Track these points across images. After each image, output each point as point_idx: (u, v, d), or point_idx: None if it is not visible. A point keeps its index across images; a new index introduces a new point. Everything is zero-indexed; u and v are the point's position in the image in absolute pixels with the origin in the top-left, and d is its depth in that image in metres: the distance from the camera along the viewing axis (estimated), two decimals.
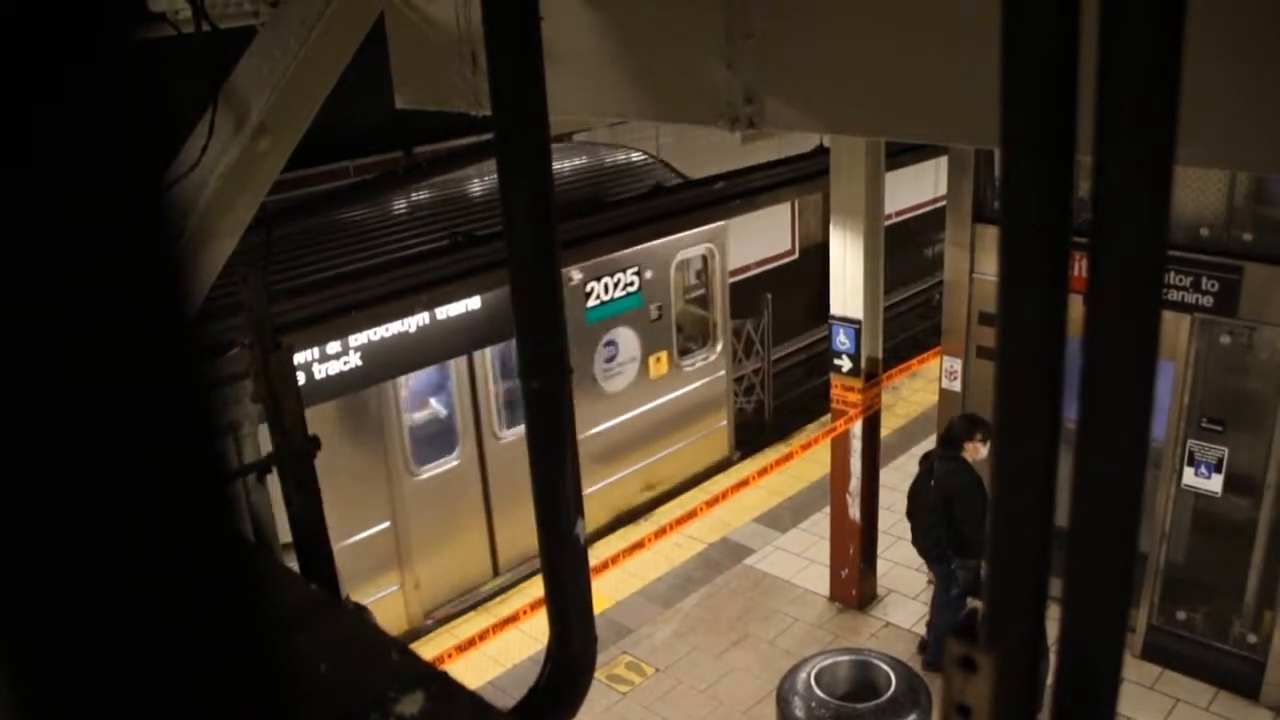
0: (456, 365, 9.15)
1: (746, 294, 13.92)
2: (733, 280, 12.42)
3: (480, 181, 10.76)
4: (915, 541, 7.67)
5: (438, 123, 10.52)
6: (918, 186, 19.48)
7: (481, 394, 9.35)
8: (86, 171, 0.41)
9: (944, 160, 9.18)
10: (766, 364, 14.15)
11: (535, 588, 7.77)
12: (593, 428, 10.01)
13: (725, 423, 11.94)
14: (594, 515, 9.81)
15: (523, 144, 2.42)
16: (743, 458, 11.88)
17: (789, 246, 16.66)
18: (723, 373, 11.81)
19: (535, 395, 2.60)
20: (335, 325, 8.23)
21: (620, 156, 12.35)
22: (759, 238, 15.68)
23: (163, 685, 0.46)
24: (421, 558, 8.87)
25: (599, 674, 6.10)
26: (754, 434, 12.91)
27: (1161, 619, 7.68)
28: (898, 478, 8.50)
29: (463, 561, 9.26)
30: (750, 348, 14.03)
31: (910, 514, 7.70)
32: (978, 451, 7.12)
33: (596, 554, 8.02)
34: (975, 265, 8.09)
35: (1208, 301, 6.89)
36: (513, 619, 6.89)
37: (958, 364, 8.39)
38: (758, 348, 14.07)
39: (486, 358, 9.35)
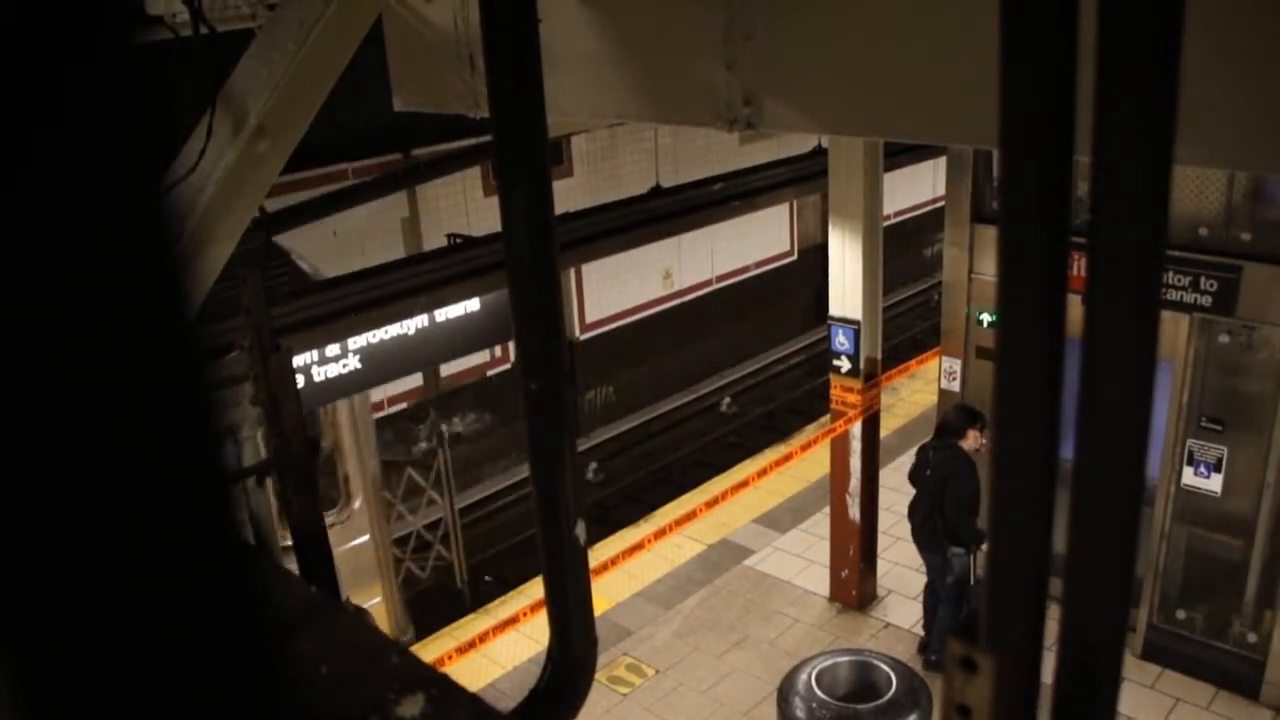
0: None
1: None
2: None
3: None
4: (914, 533, 7.74)
5: (436, 125, 10.53)
6: (916, 187, 19.52)
7: None
8: (85, 174, 0.41)
9: (942, 161, 9.19)
10: (450, 513, 11.17)
11: (535, 589, 7.77)
12: None
13: (379, 599, 9.18)
14: None
15: (521, 146, 2.42)
16: (420, 636, 9.23)
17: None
18: (365, 537, 9.05)
19: (535, 396, 2.60)
20: (333, 328, 8.20)
21: None
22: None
23: (163, 688, 0.46)
24: None
25: (599, 676, 6.09)
26: (444, 603, 10.58)
27: (1161, 619, 7.69)
28: (897, 478, 8.51)
29: None
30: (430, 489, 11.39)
31: (912, 508, 7.75)
32: (979, 441, 7.18)
33: (596, 556, 8.02)
34: (974, 265, 8.09)
35: (1206, 301, 6.90)
36: (513, 621, 6.90)
37: (957, 364, 8.40)
38: (432, 494, 11.43)
39: None
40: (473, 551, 12.39)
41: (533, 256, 2.50)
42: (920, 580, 8.22)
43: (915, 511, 7.67)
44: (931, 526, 7.43)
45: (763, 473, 8.77)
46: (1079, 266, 0.95)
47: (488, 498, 13.48)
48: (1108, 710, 1.10)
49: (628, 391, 15.94)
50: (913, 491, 7.76)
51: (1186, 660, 7.58)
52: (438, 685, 1.63)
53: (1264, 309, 6.74)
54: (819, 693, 6.20)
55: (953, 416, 7.50)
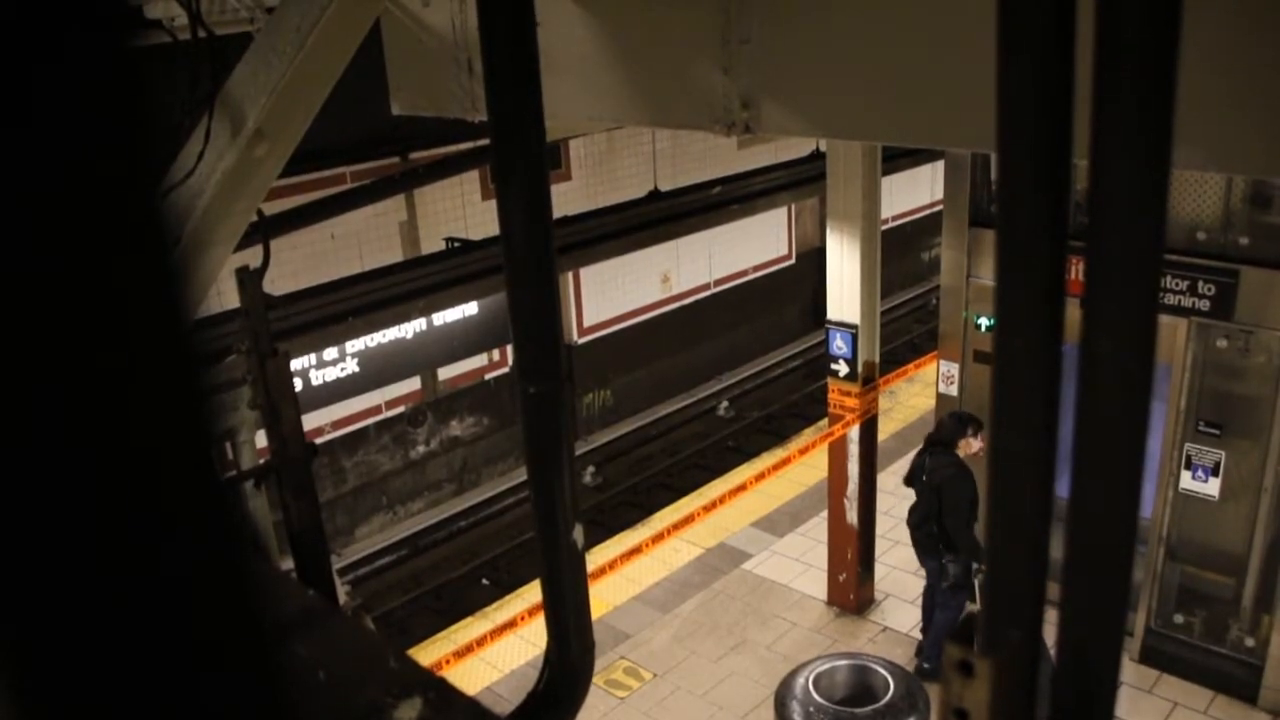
0: None
1: None
2: None
3: None
4: (911, 535, 7.75)
5: (434, 129, 10.53)
6: (914, 191, 19.54)
7: None
8: (83, 178, 0.41)
9: (940, 164, 9.19)
10: None
11: (533, 593, 7.76)
12: None
13: None
14: None
15: (519, 150, 2.42)
16: None
17: None
18: None
19: (533, 400, 2.60)
20: (331, 331, 8.19)
21: None
22: None
23: (160, 693, 0.46)
24: None
25: (597, 679, 6.07)
26: None
27: (1159, 623, 7.68)
28: (895, 482, 8.51)
29: None
30: None
31: (911, 511, 7.74)
32: (970, 447, 7.18)
33: (594, 559, 8.02)
34: (972, 269, 8.09)
35: (1204, 305, 6.90)
36: (511, 625, 6.88)
37: (954, 368, 8.39)
38: None
39: None
40: (472, 555, 12.41)
41: (531, 260, 2.51)
42: (918, 584, 8.22)
43: (913, 514, 7.69)
44: (927, 530, 7.43)
45: (760, 476, 8.76)
46: (1077, 270, 0.95)
47: (485, 501, 13.48)
48: (1105, 713, 1.10)
49: (625, 395, 15.93)
50: (911, 495, 7.77)
51: (1184, 664, 7.58)
52: (436, 689, 1.63)
53: (1261, 313, 6.74)
54: (816, 697, 6.19)
55: (946, 423, 7.51)
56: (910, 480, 7.74)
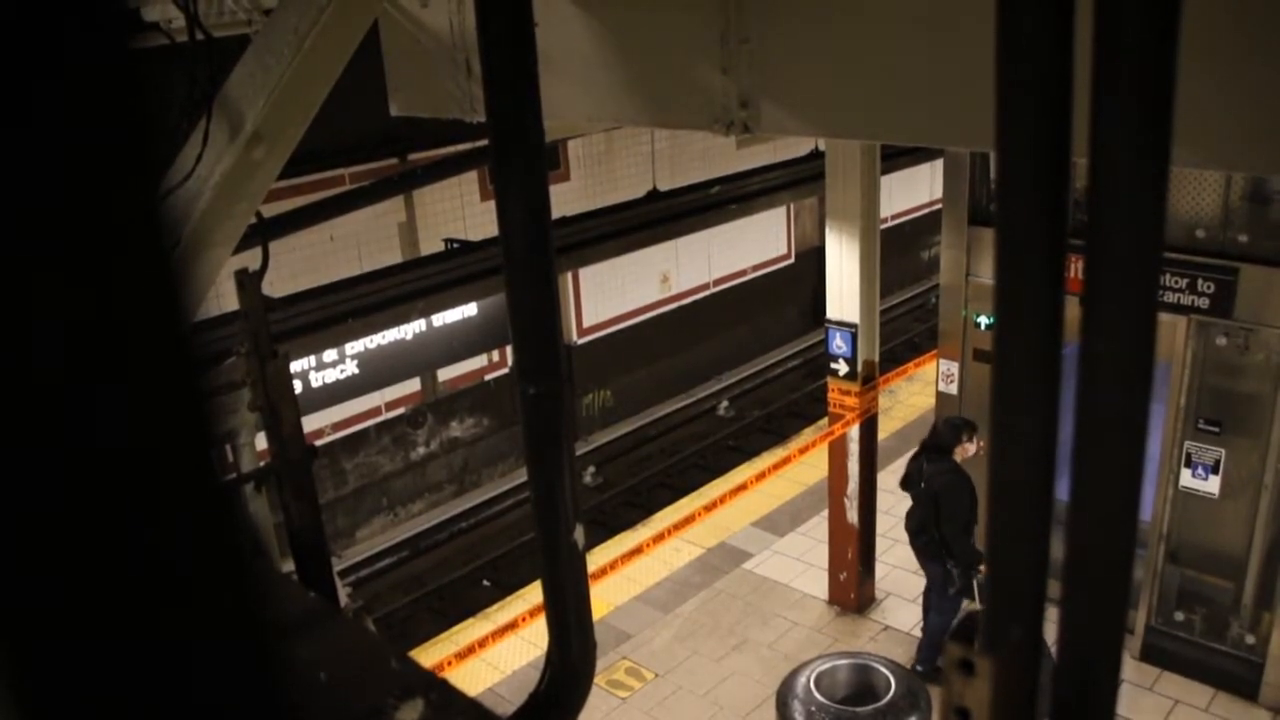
0: None
1: None
2: None
3: None
4: (911, 541, 7.72)
5: (433, 130, 10.52)
6: (913, 190, 19.54)
7: None
8: (82, 180, 0.41)
9: (940, 163, 9.19)
10: None
11: (534, 594, 7.77)
12: None
13: None
14: None
15: (518, 150, 2.42)
16: None
17: None
18: None
19: (533, 401, 2.60)
20: (331, 333, 8.18)
21: None
22: None
23: (162, 695, 0.46)
24: None
25: (599, 679, 6.08)
26: None
27: (1160, 620, 7.68)
28: (895, 481, 8.50)
29: None
30: None
31: (909, 516, 7.73)
32: (966, 451, 7.18)
33: (595, 560, 8.01)
34: (971, 268, 8.09)
35: (1204, 303, 6.90)
36: (512, 626, 6.89)
37: (954, 367, 8.39)
38: None
39: None
40: (473, 556, 12.41)
41: (530, 260, 2.50)
42: (919, 583, 8.22)
43: (910, 520, 7.66)
44: (927, 537, 7.40)
45: (761, 476, 8.77)
46: (1077, 269, 0.95)
47: (486, 502, 13.48)
48: (1106, 712, 1.10)
49: (625, 395, 15.93)
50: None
51: (1185, 662, 7.58)
52: (437, 690, 1.63)
53: (1261, 311, 6.74)
54: (818, 696, 6.19)
55: (943, 430, 7.45)
56: (906, 485, 7.68)
